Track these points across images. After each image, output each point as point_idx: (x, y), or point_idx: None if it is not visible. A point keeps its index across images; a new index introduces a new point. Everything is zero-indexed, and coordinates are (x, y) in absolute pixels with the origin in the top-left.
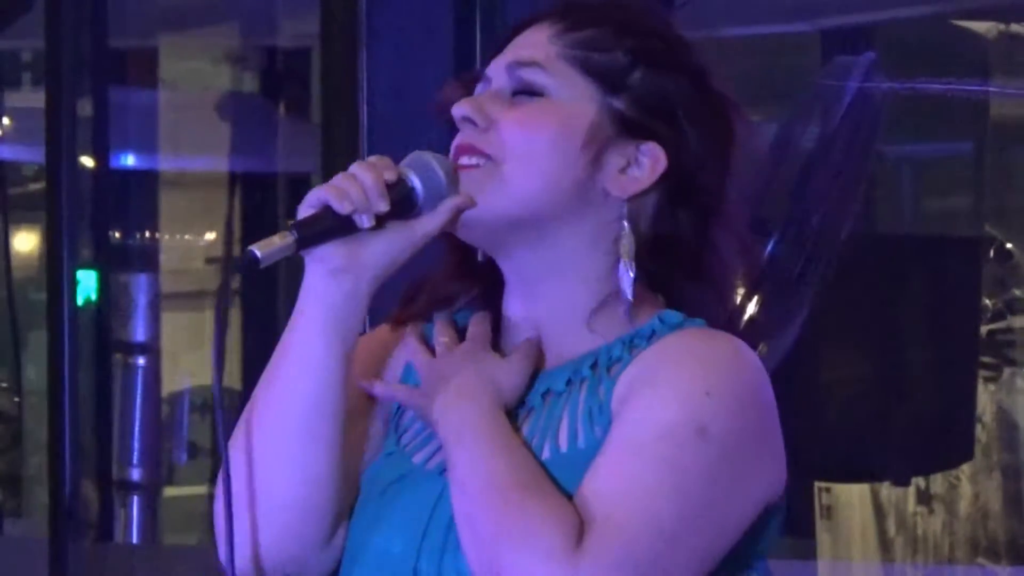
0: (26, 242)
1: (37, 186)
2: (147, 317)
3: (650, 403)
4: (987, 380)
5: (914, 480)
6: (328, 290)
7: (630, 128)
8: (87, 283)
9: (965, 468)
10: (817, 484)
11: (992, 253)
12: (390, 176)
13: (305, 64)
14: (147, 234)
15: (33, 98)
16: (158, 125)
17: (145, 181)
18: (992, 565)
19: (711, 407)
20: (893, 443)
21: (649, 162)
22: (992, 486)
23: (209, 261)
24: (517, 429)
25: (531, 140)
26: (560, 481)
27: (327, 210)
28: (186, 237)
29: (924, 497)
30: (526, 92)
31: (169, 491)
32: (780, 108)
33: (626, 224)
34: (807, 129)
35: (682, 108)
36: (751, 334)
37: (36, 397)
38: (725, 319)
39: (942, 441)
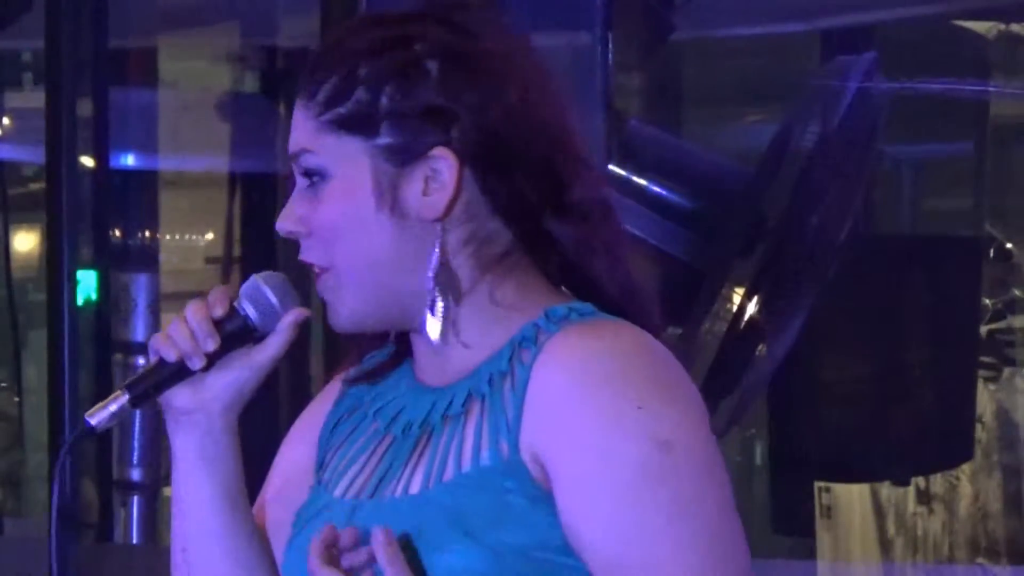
0: (26, 242)
1: (37, 186)
2: (147, 317)
3: (598, 449)
4: (987, 380)
5: (914, 480)
6: (184, 436)
7: (407, 153)
8: (87, 283)
9: (965, 468)
10: (817, 484)
11: (992, 253)
12: (219, 311)
13: (305, 64)
14: (147, 234)
15: (33, 98)
16: (158, 125)
17: (145, 181)
18: (992, 565)
19: (654, 418)
20: (893, 443)
21: (444, 168)
22: (992, 486)
23: (209, 261)
24: (419, 448)
25: (335, 234)
26: (467, 500)
27: (160, 360)
28: (186, 237)
29: (924, 497)
30: (316, 178)
31: (169, 491)
32: (780, 108)
33: (436, 249)
34: (807, 129)
35: (441, 96)
36: (751, 335)
37: (36, 397)
38: (615, 250)
39: (942, 441)
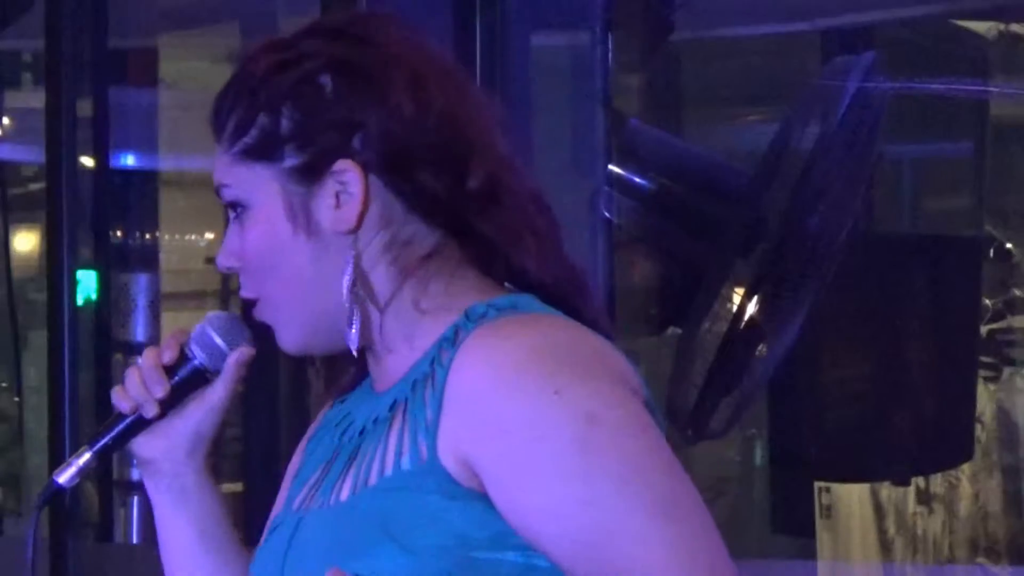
0: (26, 242)
1: (37, 186)
2: (147, 317)
3: (527, 440)
4: (987, 380)
5: (914, 480)
6: (155, 482)
7: (312, 171)
8: (87, 283)
9: (965, 468)
10: (817, 484)
11: (992, 253)
12: (169, 356)
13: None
14: (147, 234)
15: (33, 98)
16: (158, 125)
17: (145, 181)
18: (992, 565)
19: (573, 396)
20: (893, 443)
21: (350, 180)
22: (992, 486)
23: (209, 261)
24: (353, 458)
25: (260, 263)
26: (387, 504)
27: (118, 412)
28: (186, 237)
29: (924, 497)
30: (238, 211)
31: None
32: (780, 108)
33: (350, 261)
34: (807, 129)
35: (337, 109)
36: (751, 335)
37: (36, 397)
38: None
39: (942, 441)
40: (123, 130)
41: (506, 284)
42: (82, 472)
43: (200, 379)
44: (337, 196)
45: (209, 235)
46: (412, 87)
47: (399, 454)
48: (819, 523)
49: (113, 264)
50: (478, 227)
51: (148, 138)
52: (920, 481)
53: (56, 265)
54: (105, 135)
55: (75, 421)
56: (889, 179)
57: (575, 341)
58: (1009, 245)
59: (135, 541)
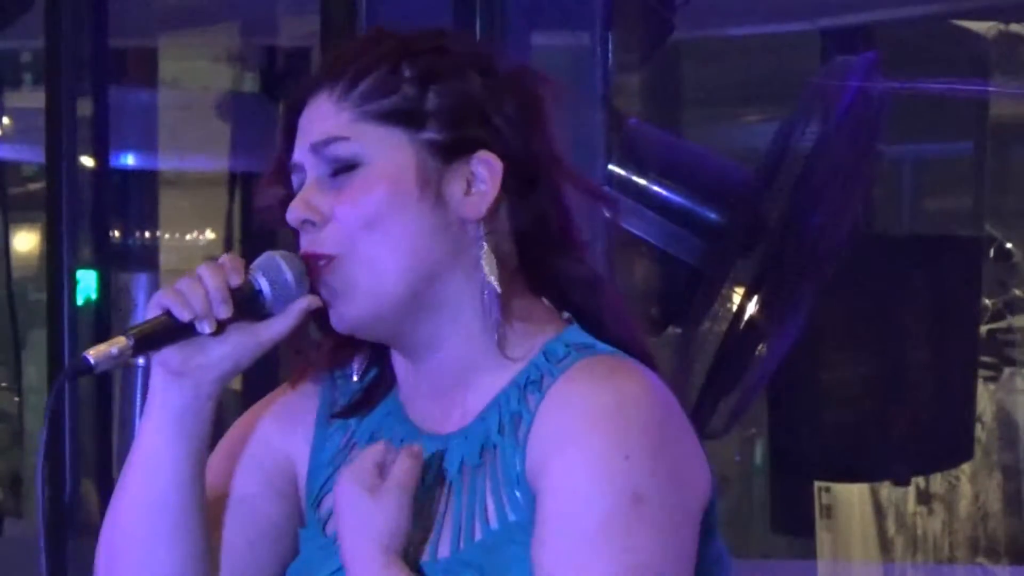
0: (26, 242)
1: (37, 186)
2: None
3: (577, 486)
4: (987, 380)
5: (914, 480)
6: (170, 394)
7: (453, 150)
8: (87, 283)
9: (965, 468)
10: (817, 484)
11: (992, 253)
12: (235, 279)
13: (305, 64)
14: (147, 234)
15: (33, 98)
16: (158, 125)
17: (145, 181)
18: (992, 565)
19: (636, 470)
20: (893, 443)
21: (486, 171)
22: (992, 486)
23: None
24: (442, 505)
25: (369, 219)
26: (501, 557)
27: (168, 315)
28: (186, 237)
29: (924, 497)
30: (343, 169)
31: None
32: (780, 108)
33: (484, 244)
34: (807, 129)
35: (486, 103)
36: (751, 335)
37: (36, 397)
38: (600, 277)
39: (942, 441)
40: (123, 130)
41: (544, 300)
42: (115, 360)
43: (255, 311)
44: (467, 182)
45: (209, 235)
46: (543, 118)
47: (500, 506)
48: (819, 523)
49: (113, 264)
50: (564, 275)
51: (148, 138)
52: (920, 481)
53: (56, 265)
54: (105, 135)
55: (75, 421)
56: (889, 179)
57: (662, 402)
58: (1009, 245)
59: None
